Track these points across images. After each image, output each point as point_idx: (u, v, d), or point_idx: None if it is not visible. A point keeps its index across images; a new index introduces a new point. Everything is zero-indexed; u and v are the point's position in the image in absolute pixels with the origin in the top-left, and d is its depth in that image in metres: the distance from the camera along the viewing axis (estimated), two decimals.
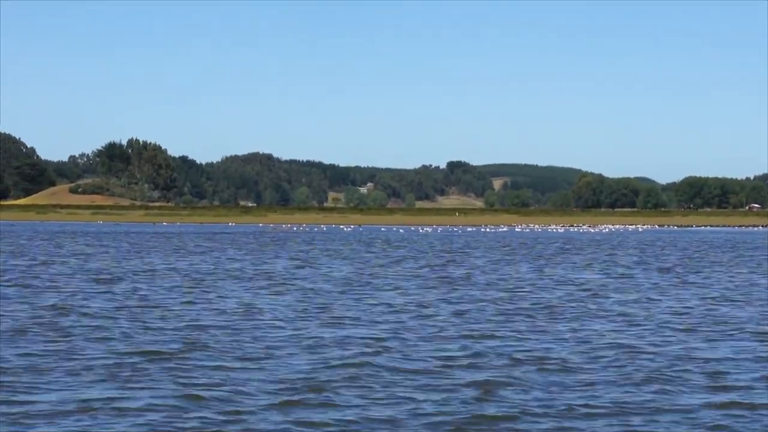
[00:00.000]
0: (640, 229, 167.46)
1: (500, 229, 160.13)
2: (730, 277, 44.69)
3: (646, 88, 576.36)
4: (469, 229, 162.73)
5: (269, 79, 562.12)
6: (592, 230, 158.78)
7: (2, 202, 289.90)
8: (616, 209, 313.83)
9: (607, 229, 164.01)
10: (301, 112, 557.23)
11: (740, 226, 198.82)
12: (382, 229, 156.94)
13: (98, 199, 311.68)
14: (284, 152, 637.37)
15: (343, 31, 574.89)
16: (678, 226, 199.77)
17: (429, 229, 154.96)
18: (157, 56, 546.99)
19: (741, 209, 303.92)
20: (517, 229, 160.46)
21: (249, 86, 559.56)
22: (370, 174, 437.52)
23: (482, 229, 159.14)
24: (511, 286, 37.28)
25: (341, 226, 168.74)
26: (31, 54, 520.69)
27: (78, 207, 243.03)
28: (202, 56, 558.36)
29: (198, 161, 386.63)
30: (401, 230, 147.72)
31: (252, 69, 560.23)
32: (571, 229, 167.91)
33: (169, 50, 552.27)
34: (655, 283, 39.67)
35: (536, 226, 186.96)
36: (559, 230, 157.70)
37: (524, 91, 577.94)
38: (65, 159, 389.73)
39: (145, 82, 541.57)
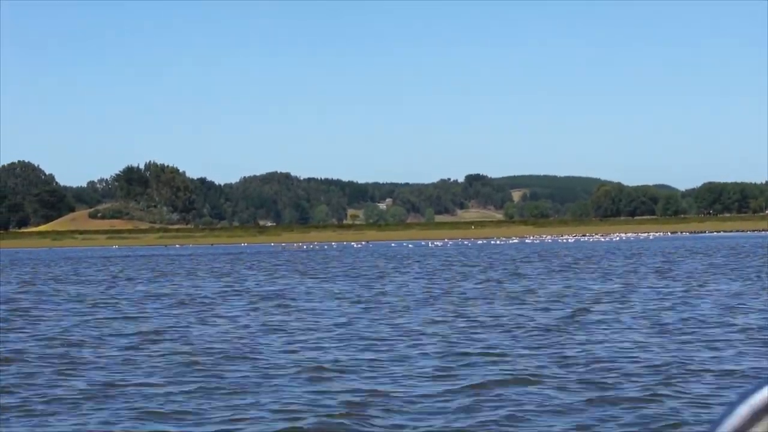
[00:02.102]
0: (651, 237, 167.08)
1: (511, 241, 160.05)
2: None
3: (663, 95, 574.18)
4: (480, 242, 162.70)
5: (285, 98, 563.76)
6: (603, 239, 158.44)
7: (22, 230, 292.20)
8: (635, 217, 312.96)
9: (618, 238, 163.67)
10: (318, 130, 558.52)
11: (755, 230, 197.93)
12: (392, 244, 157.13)
13: (118, 224, 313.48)
14: (302, 171, 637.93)
15: (358, 48, 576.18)
16: (690, 232, 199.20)
17: (439, 243, 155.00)
18: (172, 80, 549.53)
19: (761, 213, 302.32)
20: (527, 241, 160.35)
21: (265, 106, 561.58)
22: (389, 190, 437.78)
23: (492, 242, 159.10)
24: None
25: (353, 244, 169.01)
26: (46, 81, 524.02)
27: (96, 232, 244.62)
28: (216, 78, 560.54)
29: (216, 182, 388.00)
30: (410, 245, 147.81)
31: (267, 89, 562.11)
32: (582, 239, 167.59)
33: (184, 73, 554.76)
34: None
35: (548, 237, 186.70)
36: (570, 240, 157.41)
37: (541, 101, 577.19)
38: (84, 184, 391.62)
39: (162, 105, 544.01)
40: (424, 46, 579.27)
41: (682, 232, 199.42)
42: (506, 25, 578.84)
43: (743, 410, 1.52)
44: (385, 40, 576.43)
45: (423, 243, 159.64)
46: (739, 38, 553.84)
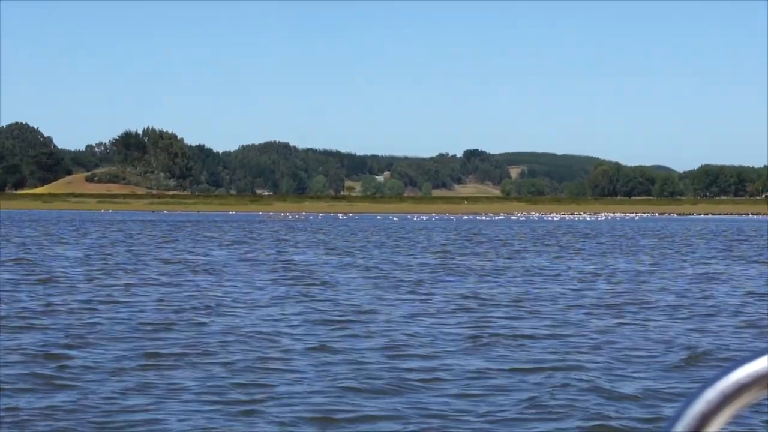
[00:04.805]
0: (636, 218, 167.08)
1: (497, 217, 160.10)
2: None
3: (664, 77, 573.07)
4: (465, 217, 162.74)
5: (286, 68, 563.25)
6: (589, 218, 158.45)
7: (18, 191, 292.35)
8: (632, 197, 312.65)
9: (603, 218, 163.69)
10: (318, 101, 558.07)
11: (748, 214, 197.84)
12: (378, 217, 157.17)
13: (114, 188, 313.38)
14: (301, 141, 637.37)
15: (359, 20, 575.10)
16: (679, 214, 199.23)
17: (425, 218, 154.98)
18: (173, 45, 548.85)
19: (758, 197, 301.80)
20: (512, 218, 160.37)
21: (265, 74, 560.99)
22: (387, 163, 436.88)
23: (479, 217, 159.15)
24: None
25: (339, 215, 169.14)
26: (46, 44, 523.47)
27: (89, 195, 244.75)
28: (217, 45, 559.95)
29: (215, 150, 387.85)
30: (395, 218, 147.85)
31: (268, 57, 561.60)
32: (569, 217, 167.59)
33: (185, 39, 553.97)
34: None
35: (535, 214, 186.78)
36: (556, 218, 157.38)
37: (541, 79, 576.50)
38: (82, 148, 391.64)
39: (161, 71, 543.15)
40: (426, 20, 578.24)
41: (670, 214, 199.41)
42: (506, 5, 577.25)
43: (694, 410, 1.56)
44: (386, 13, 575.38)
45: (409, 216, 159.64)
46: (739, 22, 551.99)
